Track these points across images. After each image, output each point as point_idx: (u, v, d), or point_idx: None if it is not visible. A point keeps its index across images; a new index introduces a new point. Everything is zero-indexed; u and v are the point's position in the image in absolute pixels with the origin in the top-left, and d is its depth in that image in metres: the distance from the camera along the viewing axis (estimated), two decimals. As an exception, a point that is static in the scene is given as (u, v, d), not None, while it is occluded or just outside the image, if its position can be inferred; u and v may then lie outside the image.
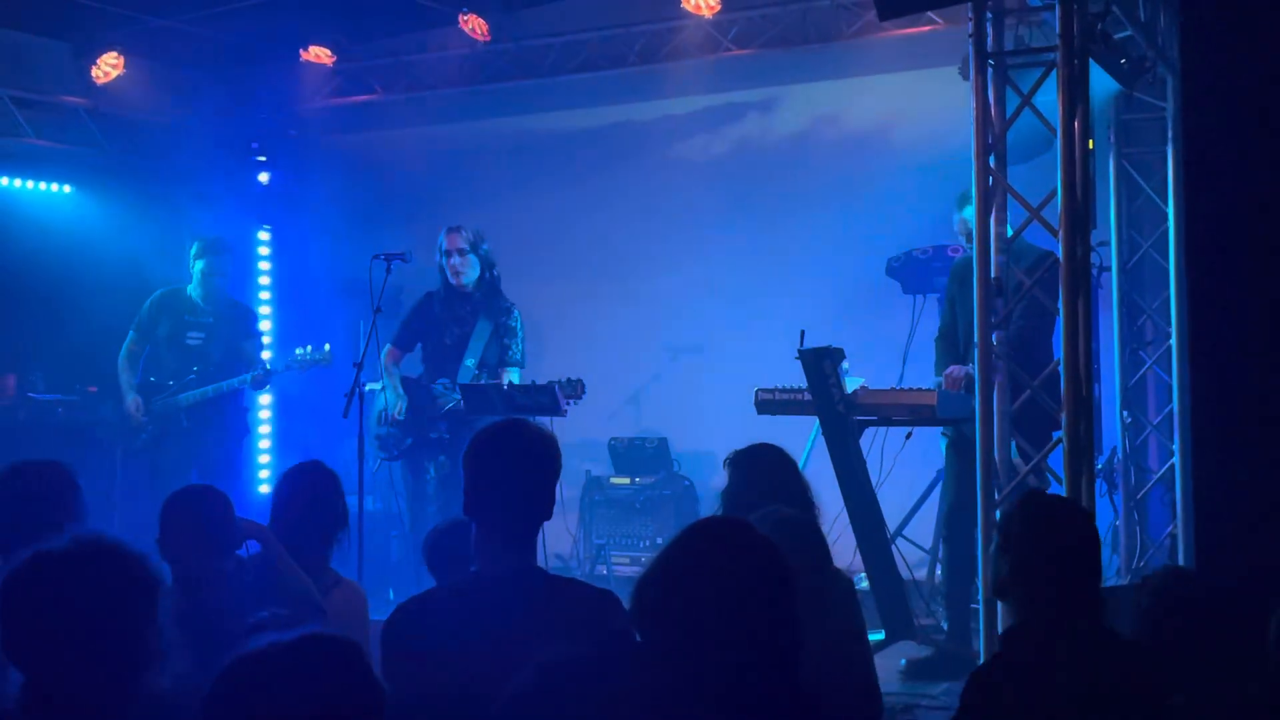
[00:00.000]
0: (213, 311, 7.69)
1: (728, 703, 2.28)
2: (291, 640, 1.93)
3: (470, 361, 7.04)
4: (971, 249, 5.64)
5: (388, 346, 7.24)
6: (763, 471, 4.10)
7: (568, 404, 6.60)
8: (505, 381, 6.71)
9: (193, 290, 7.68)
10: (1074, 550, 3.12)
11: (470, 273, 7.09)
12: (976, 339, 5.12)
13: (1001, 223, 5.17)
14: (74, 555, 2.32)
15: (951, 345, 6.25)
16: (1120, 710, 2.90)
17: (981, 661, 5.28)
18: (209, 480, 7.00)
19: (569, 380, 6.61)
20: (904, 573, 6.38)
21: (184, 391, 7.55)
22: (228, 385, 7.58)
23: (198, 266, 7.63)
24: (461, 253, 7.07)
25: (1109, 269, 7.42)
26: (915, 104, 7.87)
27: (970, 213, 5.64)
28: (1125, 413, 7.49)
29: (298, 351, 7.61)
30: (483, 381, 6.89)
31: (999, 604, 5.18)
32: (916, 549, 7.30)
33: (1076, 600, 3.07)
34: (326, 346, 7.57)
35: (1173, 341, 7.11)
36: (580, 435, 7.08)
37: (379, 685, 1.98)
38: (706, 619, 2.30)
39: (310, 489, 4.22)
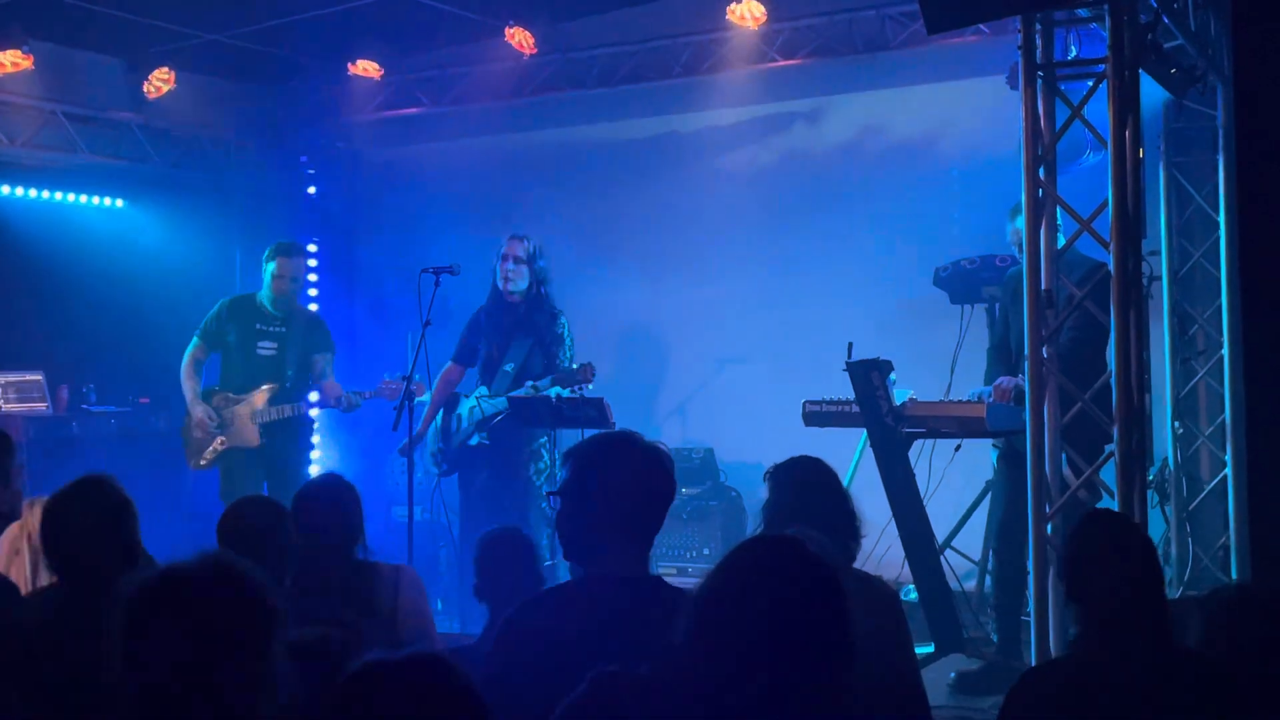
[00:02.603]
0: (285, 319, 7.40)
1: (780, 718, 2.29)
2: (401, 659, 1.95)
3: (508, 368, 7.05)
4: (1024, 260, 5.63)
5: (447, 363, 7.22)
6: (803, 486, 4.07)
7: (581, 389, 6.68)
8: (553, 394, 6.72)
9: (263, 296, 7.40)
10: (1135, 570, 3.12)
11: (519, 283, 7.10)
12: (1027, 351, 5.09)
13: (1052, 234, 5.15)
14: (204, 576, 2.29)
15: (1003, 357, 6.22)
16: None
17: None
18: (280, 494, 7.07)
19: (579, 366, 6.72)
20: (953, 584, 6.36)
21: (260, 408, 7.28)
22: (308, 407, 7.38)
23: (269, 269, 7.34)
24: (517, 260, 7.09)
25: (1159, 278, 7.38)
26: (962, 113, 7.84)
27: (1023, 223, 5.62)
28: (1177, 423, 7.45)
29: (402, 377, 7.16)
30: (522, 391, 6.89)
31: (1050, 617, 5.16)
32: (965, 560, 7.27)
33: (1141, 617, 3.07)
34: (419, 383, 7.20)
35: (1225, 351, 7.06)
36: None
37: (484, 706, 2.00)
38: (759, 636, 2.31)
39: (329, 502, 4.18)
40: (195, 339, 7.44)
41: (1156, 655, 3.06)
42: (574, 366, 6.80)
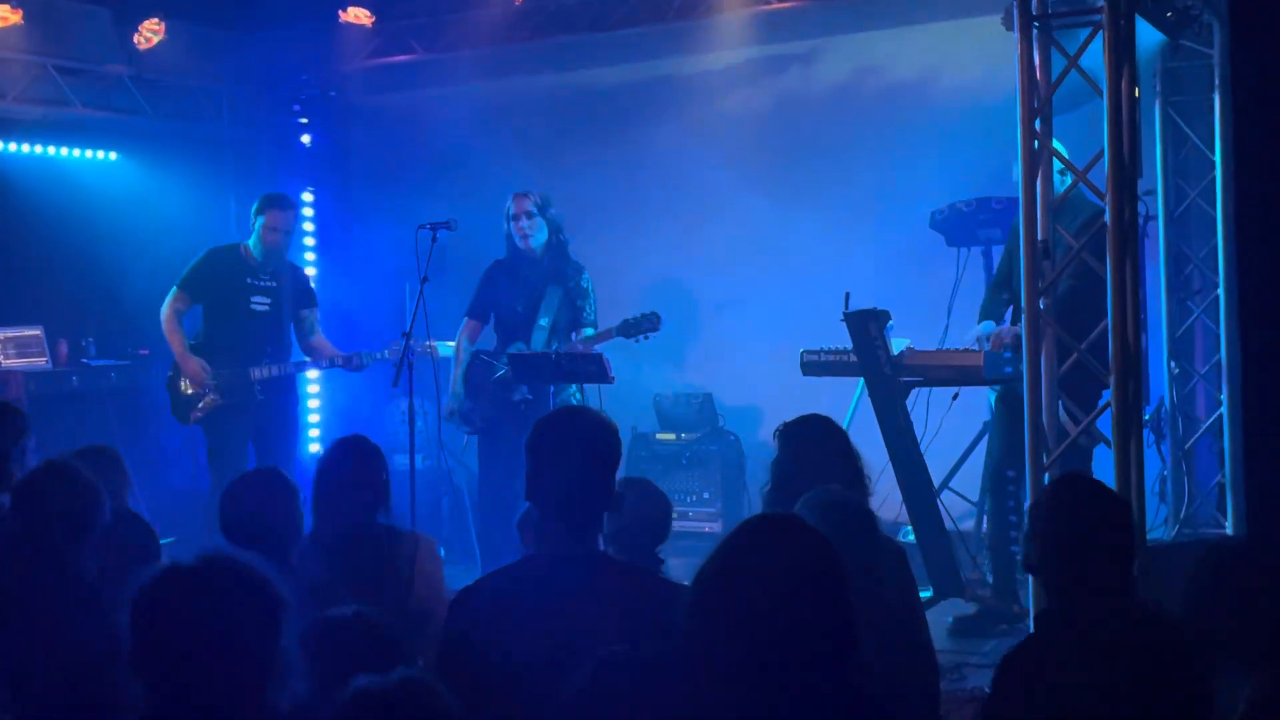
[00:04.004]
0: (274, 274, 7.27)
1: (783, 702, 2.33)
2: (390, 686, 2.06)
3: (544, 322, 7.01)
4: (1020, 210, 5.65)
5: (464, 320, 7.15)
6: (812, 445, 4.13)
7: (642, 339, 6.73)
8: (552, 349, 6.72)
9: (253, 248, 7.22)
10: (1102, 539, 3.15)
11: (539, 235, 7.05)
12: (1024, 302, 5.11)
13: (1048, 185, 5.15)
14: (205, 573, 2.35)
15: (1001, 295, 6.25)
16: (1156, 693, 2.92)
17: (1031, 617, 5.33)
18: (267, 453, 7.04)
19: (644, 314, 6.71)
20: (950, 525, 6.42)
21: (260, 364, 7.17)
22: (304, 367, 7.33)
23: (259, 221, 7.17)
24: (529, 215, 7.04)
25: (1155, 218, 7.38)
26: (958, 54, 7.79)
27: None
28: (1173, 363, 7.48)
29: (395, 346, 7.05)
30: (554, 347, 6.84)
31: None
32: (964, 500, 7.34)
33: (1105, 586, 3.11)
34: (430, 342, 7.07)
35: (1220, 291, 7.06)
36: (625, 391, 7.11)
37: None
38: (762, 620, 2.34)
39: (351, 463, 4.22)
40: (175, 289, 7.24)
41: (1122, 622, 3.09)
42: (635, 316, 6.78)
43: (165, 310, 7.22)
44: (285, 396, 7.35)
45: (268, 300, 7.25)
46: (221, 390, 7.16)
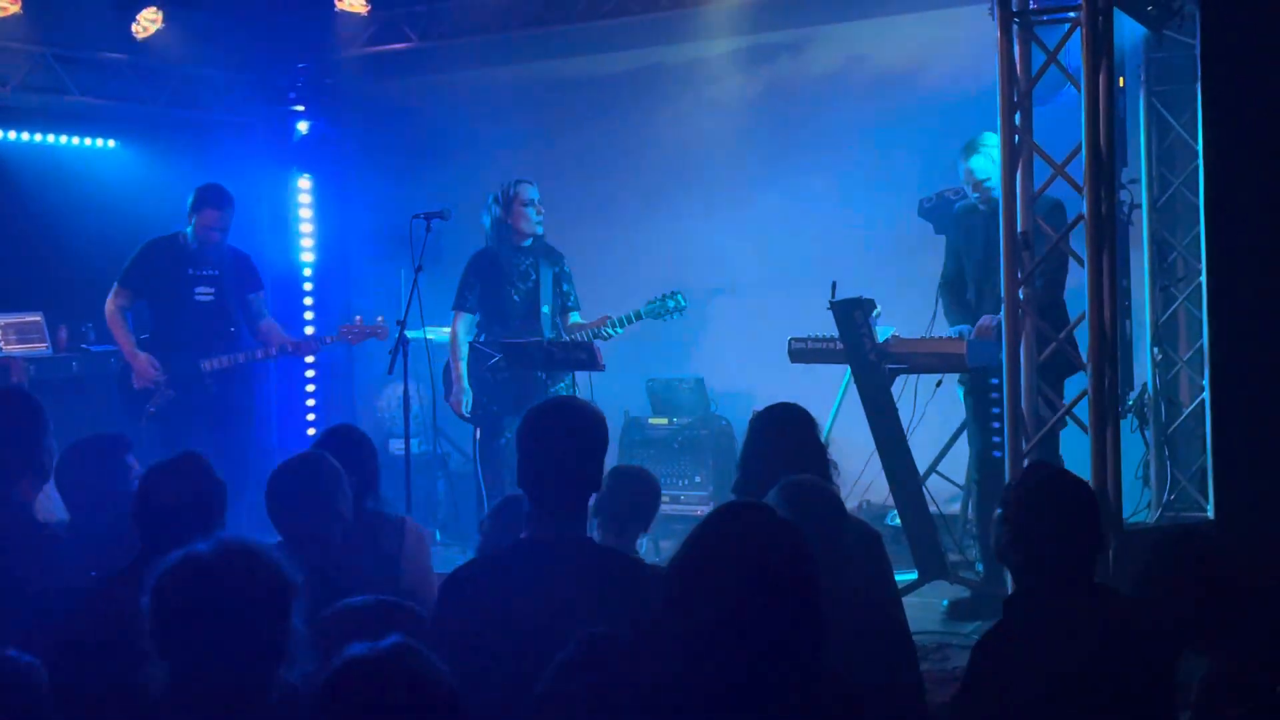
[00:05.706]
0: (216, 263, 7.20)
1: (754, 682, 2.44)
2: (380, 654, 2.17)
3: (546, 309, 7.08)
4: (974, 197, 5.79)
5: (455, 314, 7.11)
6: (779, 434, 4.22)
7: (669, 319, 6.97)
8: (544, 337, 6.81)
9: (191, 238, 7.14)
10: (1070, 524, 3.26)
11: (540, 226, 7.16)
12: (1004, 293, 5.22)
13: (1028, 178, 5.25)
14: (220, 558, 2.51)
15: (957, 294, 6.34)
16: (1123, 672, 3.05)
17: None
18: (227, 442, 6.98)
19: (668, 293, 6.97)
20: (936, 509, 6.53)
21: (210, 355, 7.13)
22: (264, 353, 7.24)
23: (194, 219, 7.09)
24: (538, 204, 7.13)
25: (1140, 206, 7.48)
26: (946, 43, 7.86)
27: (976, 163, 5.84)
28: (1156, 349, 7.58)
29: (357, 319, 7.26)
30: (553, 335, 6.95)
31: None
32: (950, 484, 7.45)
33: (1068, 571, 3.22)
34: (380, 319, 7.28)
35: (1203, 278, 7.15)
36: (617, 376, 7.22)
37: (456, 691, 2.22)
38: (733, 604, 2.45)
39: (342, 452, 4.26)
40: (115, 285, 7.22)
41: (1089, 604, 3.22)
42: (661, 297, 7.02)
43: (108, 307, 7.21)
44: (239, 387, 7.30)
45: (211, 290, 7.18)
46: (174, 385, 7.13)
